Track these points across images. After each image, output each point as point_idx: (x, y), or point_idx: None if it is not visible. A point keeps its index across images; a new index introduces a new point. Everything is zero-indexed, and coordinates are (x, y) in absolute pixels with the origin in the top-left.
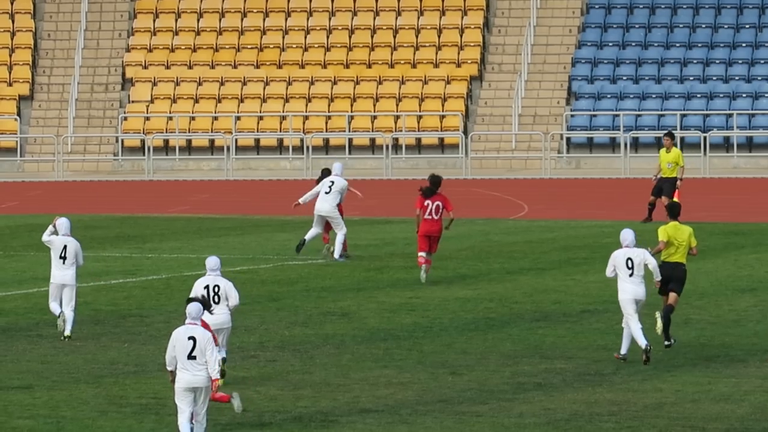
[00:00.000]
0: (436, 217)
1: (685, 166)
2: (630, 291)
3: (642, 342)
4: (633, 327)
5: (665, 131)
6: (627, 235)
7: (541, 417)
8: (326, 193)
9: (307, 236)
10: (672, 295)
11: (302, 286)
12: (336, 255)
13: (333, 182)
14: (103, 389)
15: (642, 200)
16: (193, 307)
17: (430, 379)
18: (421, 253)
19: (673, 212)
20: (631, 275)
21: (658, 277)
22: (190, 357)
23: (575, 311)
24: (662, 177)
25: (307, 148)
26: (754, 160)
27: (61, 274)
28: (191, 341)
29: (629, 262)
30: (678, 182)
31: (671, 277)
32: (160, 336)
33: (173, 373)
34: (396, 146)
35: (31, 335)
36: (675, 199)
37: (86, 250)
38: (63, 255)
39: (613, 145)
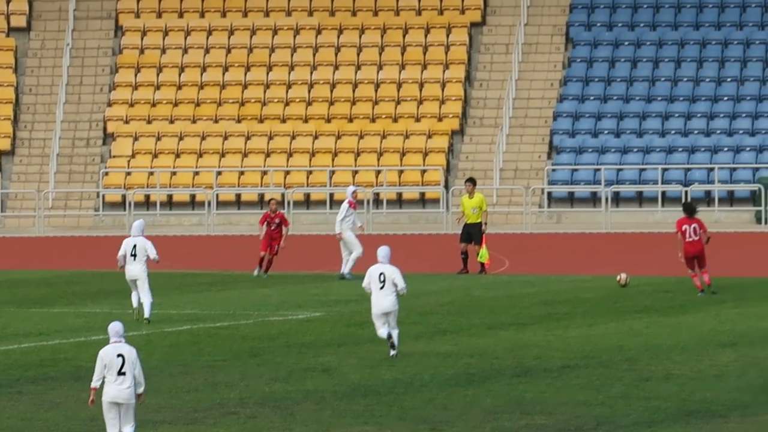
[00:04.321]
0: (695, 238)
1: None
2: (378, 305)
3: (381, 333)
4: (378, 332)
5: (468, 178)
6: (382, 251)
7: None
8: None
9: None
10: None
11: (283, 342)
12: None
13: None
14: None
15: (624, 255)
16: (115, 326)
17: None
18: (690, 271)
19: None
20: (381, 288)
21: (402, 285)
22: (120, 373)
23: (556, 366)
24: (468, 223)
25: (288, 202)
26: (735, 214)
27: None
28: (120, 358)
29: (381, 276)
30: (483, 226)
31: None
32: None
33: (95, 391)
34: (377, 201)
35: (11, 392)
36: (483, 245)
37: (67, 306)
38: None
39: (594, 199)
